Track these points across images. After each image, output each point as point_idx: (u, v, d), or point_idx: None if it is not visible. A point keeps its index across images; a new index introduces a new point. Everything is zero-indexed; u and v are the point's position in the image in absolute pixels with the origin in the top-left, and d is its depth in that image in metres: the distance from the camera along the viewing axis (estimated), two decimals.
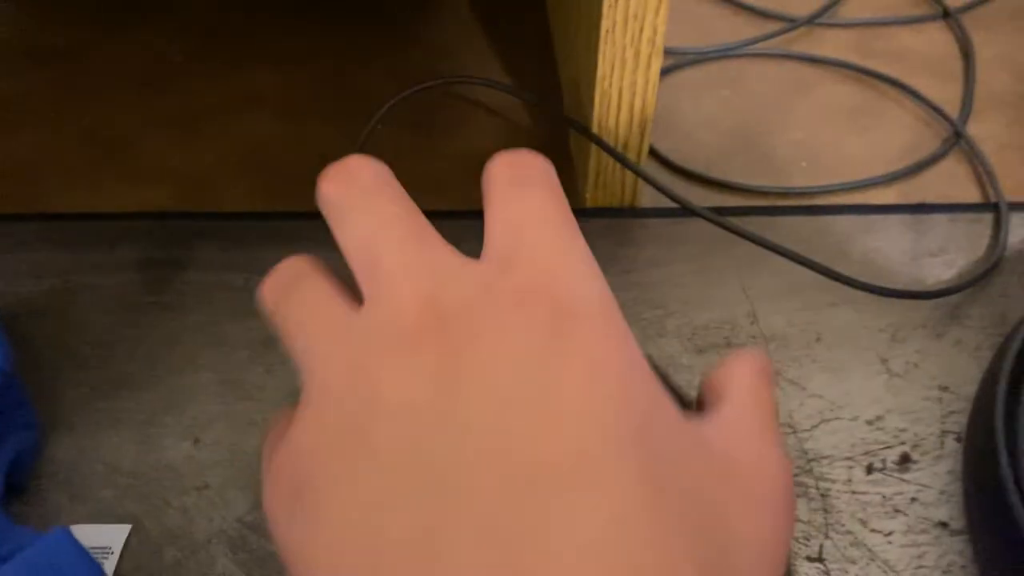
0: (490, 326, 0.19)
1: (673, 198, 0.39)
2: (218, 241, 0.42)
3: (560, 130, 0.48)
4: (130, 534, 0.32)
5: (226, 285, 0.40)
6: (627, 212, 0.43)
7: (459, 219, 0.43)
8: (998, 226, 0.42)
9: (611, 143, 0.40)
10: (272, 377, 0.37)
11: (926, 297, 0.38)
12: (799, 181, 0.45)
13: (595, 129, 0.40)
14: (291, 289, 0.23)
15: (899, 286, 0.39)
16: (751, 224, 0.42)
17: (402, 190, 0.23)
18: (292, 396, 0.36)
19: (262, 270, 0.41)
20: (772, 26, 0.54)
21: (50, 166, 0.46)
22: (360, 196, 0.22)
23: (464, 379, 0.18)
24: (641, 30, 0.37)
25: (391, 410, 0.18)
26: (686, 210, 0.39)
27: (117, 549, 0.32)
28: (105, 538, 0.32)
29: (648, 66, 0.38)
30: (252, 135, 0.48)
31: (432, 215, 0.42)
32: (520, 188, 0.22)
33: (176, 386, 0.36)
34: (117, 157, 0.47)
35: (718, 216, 0.37)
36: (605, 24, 0.37)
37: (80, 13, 0.56)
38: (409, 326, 0.19)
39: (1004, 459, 0.29)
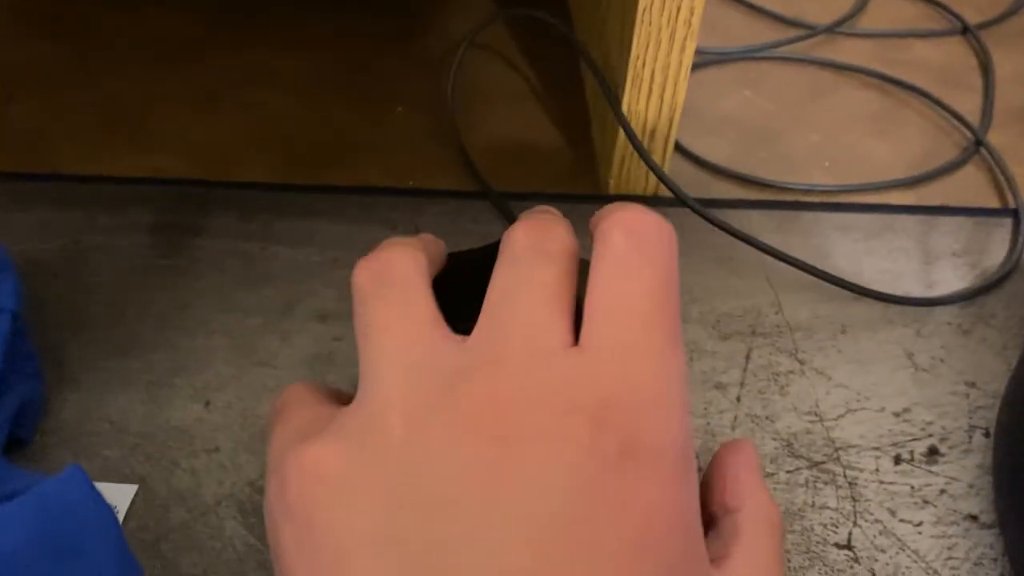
0: (554, 432, 0.18)
1: (687, 203, 0.39)
2: (233, 210, 0.41)
3: (582, 114, 0.47)
4: (136, 494, 0.31)
5: (241, 253, 0.39)
6: (650, 200, 0.42)
7: (469, 199, 0.42)
8: (1017, 232, 0.42)
9: (639, 129, 0.40)
10: (287, 345, 0.36)
11: (936, 304, 0.38)
12: (821, 180, 0.44)
13: (624, 112, 0.39)
14: (390, 283, 0.21)
15: (919, 286, 0.39)
16: (775, 218, 0.42)
17: (427, 289, 0.21)
18: (308, 364, 0.35)
19: (277, 239, 0.40)
20: (794, 32, 0.54)
21: (64, 133, 0.45)
22: (381, 288, 0.21)
23: (510, 487, 0.18)
24: (678, 10, 0.36)
25: (434, 500, 0.18)
26: (709, 202, 0.39)
27: (123, 508, 0.30)
28: (110, 497, 0.31)
29: (683, 49, 0.38)
30: (267, 111, 0.47)
31: (450, 195, 0.41)
32: (638, 264, 0.20)
33: (187, 349, 0.35)
34: (131, 127, 0.46)
35: (737, 229, 0.37)
36: (643, 1, 0.36)
37: None
38: (469, 412, 0.19)
39: None
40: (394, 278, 0.21)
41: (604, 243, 0.21)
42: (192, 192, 0.42)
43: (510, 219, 0.39)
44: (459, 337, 0.20)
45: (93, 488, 0.24)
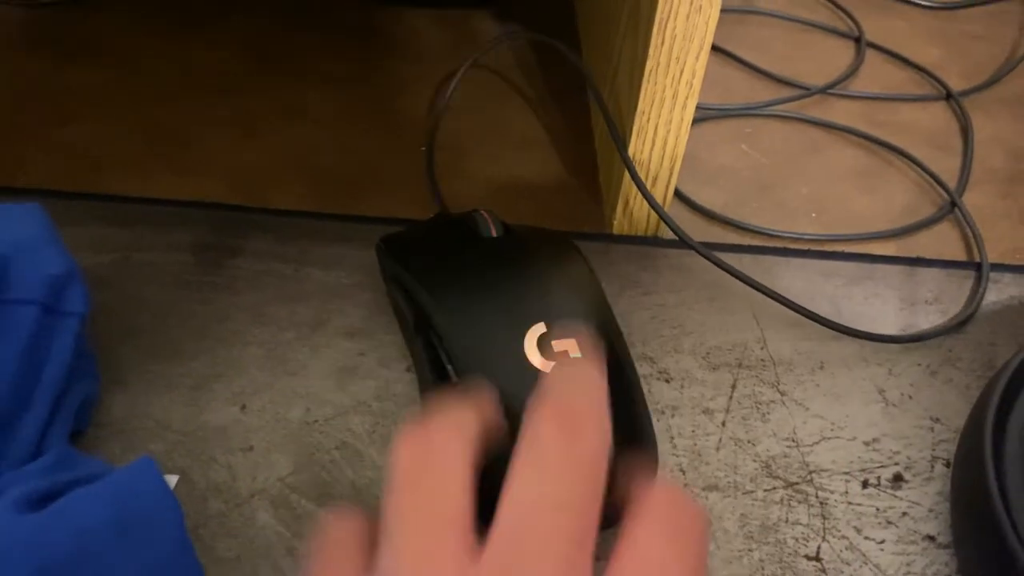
0: None
1: (684, 239, 0.42)
2: (270, 233, 0.45)
3: (590, 159, 0.51)
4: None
5: (276, 273, 0.43)
6: (650, 241, 0.46)
7: None
8: (978, 283, 0.46)
9: (643, 174, 0.44)
10: (316, 357, 0.39)
11: (899, 342, 0.42)
12: (808, 229, 0.48)
13: (630, 158, 0.43)
14: (429, 471, 0.21)
15: (893, 328, 0.43)
16: (765, 262, 0.46)
17: (465, 482, 0.21)
18: (334, 375, 0.38)
19: (310, 262, 0.44)
20: (789, 92, 0.58)
21: (112, 155, 0.49)
22: (419, 477, 0.21)
23: None
24: (681, 72, 0.41)
25: None
26: (705, 245, 0.43)
27: None
28: None
29: (684, 107, 0.42)
30: (301, 142, 0.51)
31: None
32: (671, 541, 0.20)
33: (225, 357, 0.39)
34: (175, 152, 0.50)
35: (731, 267, 0.40)
36: (649, 64, 0.40)
37: (144, 20, 0.60)
38: None
39: (992, 483, 0.32)
40: (434, 467, 0.21)
41: (645, 519, 0.20)
42: (232, 216, 0.45)
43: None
44: (477, 550, 0.20)
45: (162, 478, 0.27)
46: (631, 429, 0.34)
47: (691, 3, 0.38)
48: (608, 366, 0.34)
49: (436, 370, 0.35)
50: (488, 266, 0.37)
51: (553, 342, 0.34)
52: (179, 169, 0.49)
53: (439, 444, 0.21)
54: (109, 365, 0.38)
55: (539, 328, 0.34)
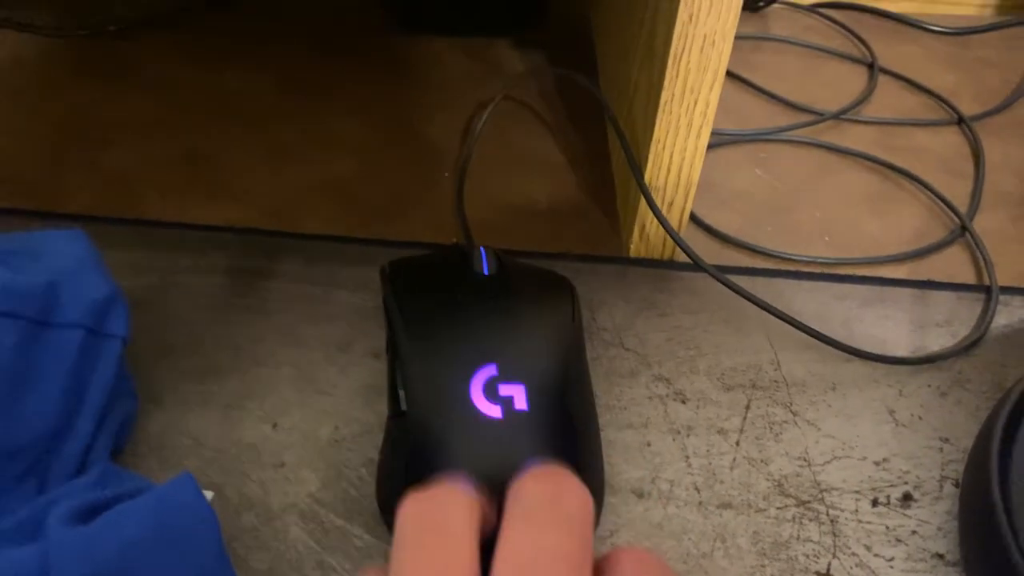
0: None
1: (699, 263, 0.44)
2: (300, 257, 0.46)
3: (607, 184, 0.53)
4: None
5: (306, 295, 0.44)
6: (666, 264, 0.48)
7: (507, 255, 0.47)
8: (988, 306, 0.47)
9: (659, 199, 0.45)
10: (344, 377, 0.41)
11: (910, 363, 0.43)
12: (821, 252, 0.49)
13: (646, 183, 0.45)
14: (434, 529, 0.21)
15: (904, 350, 0.44)
16: (778, 285, 0.47)
17: (471, 543, 0.21)
18: (362, 394, 0.40)
19: (339, 285, 0.45)
20: (802, 117, 0.60)
21: (147, 180, 0.51)
22: (424, 535, 0.21)
23: None
24: (696, 102, 0.42)
25: None
26: (720, 268, 0.44)
27: None
28: None
29: (698, 135, 0.43)
30: (330, 169, 0.53)
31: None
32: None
33: (258, 377, 0.41)
34: (208, 178, 0.52)
35: (745, 290, 0.42)
36: (664, 95, 0.42)
37: (182, 49, 0.62)
38: None
39: (998, 502, 0.33)
40: (439, 525, 0.21)
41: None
42: (264, 240, 0.47)
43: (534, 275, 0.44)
44: None
45: (201, 493, 0.29)
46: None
47: (705, 38, 0.40)
48: (558, 419, 0.35)
49: (394, 396, 0.37)
50: (467, 302, 0.38)
51: (499, 385, 0.35)
52: (214, 195, 0.51)
53: (445, 503, 0.21)
54: (146, 385, 0.40)
55: (489, 369, 0.35)
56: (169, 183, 0.51)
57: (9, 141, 0.54)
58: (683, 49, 0.40)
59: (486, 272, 0.40)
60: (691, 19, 0.39)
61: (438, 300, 0.39)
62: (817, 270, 0.49)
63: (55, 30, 0.63)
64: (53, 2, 0.66)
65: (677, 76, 0.41)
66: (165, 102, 0.57)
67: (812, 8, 0.73)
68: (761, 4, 0.71)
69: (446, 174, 0.53)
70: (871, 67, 0.66)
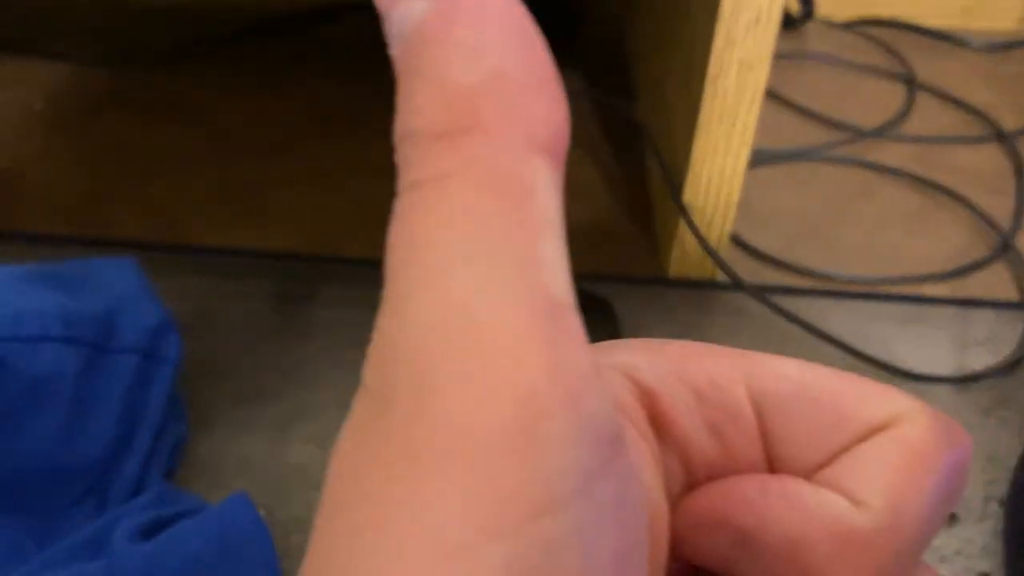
0: None
1: (739, 283, 0.44)
2: (340, 281, 0.47)
3: (645, 205, 0.53)
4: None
5: (347, 319, 0.45)
6: (706, 284, 0.48)
7: None
8: None
9: (698, 220, 0.46)
10: None
11: (952, 382, 0.43)
12: (861, 271, 0.50)
13: (685, 204, 0.45)
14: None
15: (947, 369, 0.44)
16: (818, 304, 0.47)
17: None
18: None
19: (377, 307, 0.46)
20: (841, 135, 0.60)
21: (189, 208, 0.53)
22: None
23: None
24: (734, 124, 0.42)
25: None
26: (760, 287, 0.44)
27: None
28: None
29: (737, 156, 0.44)
30: (365, 194, 0.54)
31: None
32: None
33: (303, 400, 0.41)
34: (247, 205, 0.53)
35: (785, 309, 0.42)
36: (702, 118, 0.42)
37: (222, 79, 0.64)
38: None
39: None
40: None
41: None
42: (305, 266, 0.48)
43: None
44: None
45: (257, 512, 0.29)
46: None
47: (742, 61, 0.40)
48: None
49: None
50: None
51: None
52: (254, 221, 0.52)
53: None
54: (194, 408, 0.40)
55: None
56: (211, 211, 0.52)
57: (53, 170, 0.55)
58: (720, 72, 0.41)
59: None
60: (728, 43, 0.40)
61: None
62: (858, 289, 0.49)
63: (97, 62, 0.64)
64: (96, 35, 0.68)
65: (715, 99, 0.42)
66: (203, 131, 0.59)
67: (849, 25, 0.73)
68: (798, 22, 0.71)
69: None
70: (909, 83, 0.66)
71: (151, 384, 0.34)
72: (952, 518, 0.37)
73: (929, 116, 0.63)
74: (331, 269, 0.48)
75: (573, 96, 0.54)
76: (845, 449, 0.16)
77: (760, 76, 0.41)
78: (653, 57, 0.56)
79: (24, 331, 0.30)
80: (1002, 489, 0.39)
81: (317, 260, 0.49)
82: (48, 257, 0.45)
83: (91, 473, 0.32)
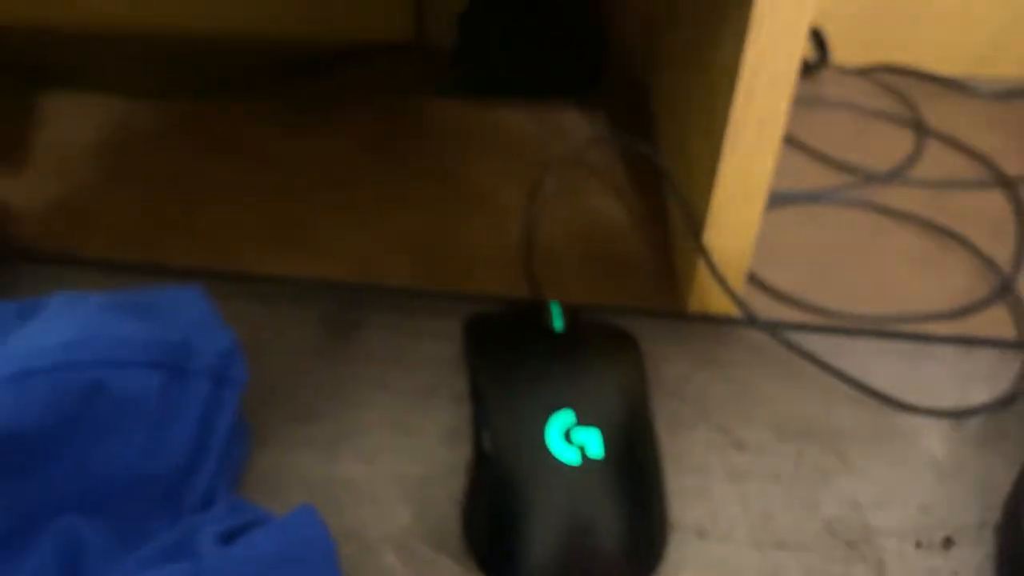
0: None
1: (755, 321, 0.47)
2: (385, 309, 0.51)
3: (665, 242, 0.57)
4: None
5: (393, 344, 0.49)
6: (723, 320, 0.51)
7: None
8: None
9: (716, 260, 0.49)
10: (430, 420, 0.45)
11: (953, 416, 0.46)
12: (871, 309, 0.53)
13: (704, 245, 0.49)
14: None
15: (949, 403, 0.47)
16: (831, 340, 0.50)
17: None
18: (447, 437, 0.44)
19: (421, 334, 0.50)
20: (852, 178, 0.63)
21: (241, 238, 0.56)
22: None
23: None
24: (751, 172, 0.46)
25: None
26: (775, 324, 0.48)
27: None
28: None
29: (754, 203, 0.47)
30: (408, 227, 0.58)
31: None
32: None
33: (352, 420, 0.45)
34: (299, 236, 0.57)
35: (799, 345, 0.45)
36: (722, 166, 0.46)
37: (272, 115, 0.68)
38: None
39: None
40: None
41: None
42: (353, 293, 0.52)
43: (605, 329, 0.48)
44: None
45: (322, 522, 0.33)
46: (642, 537, 0.39)
47: (761, 118, 0.44)
48: (629, 466, 0.39)
49: (477, 440, 0.42)
50: (543, 355, 0.43)
51: (576, 430, 0.39)
52: (303, 251, 0.56)
53: None
54: (252, 426, 0.44)
55: (565, 415, 0.40)
56: (262, 241, 0.56)
57: (114, 200, 0.59)
58: (740, 128, 0.44)
59: (558, 328, 0.44)
60: (748, 100, 0.43)
61: (516, 352, 0.43)
62: (868, 326, 0.52)
63: (152, 95, 0.69)
64: (152, 68, 0.72)
65: (735, 154, 0.45)
66: (254, 163, 0.63)
67: (863, 72, 0.76)
68: (814, 68, 0.75)
69: (512, 231, 0.57)
70: (919, 129, 0.69)
71: (222, 404, 0.38)
72: (948, 541, 0.41)
73: (937, 161, 0.66)
74: (375, 297, 0.52)
75: (598, 138, 0.58)
76: None
77: (777, 129, 0.44)
78: (675, 102, 0.60)
79: (116, 356, 0.34)
80: (996, 516, 0.42)
81: (364, 288, 0.52)
82: (110, 283, 0.49)
83: (168, 481, 0.36)
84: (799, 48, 0.42)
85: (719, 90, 0.46)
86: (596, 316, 0.49)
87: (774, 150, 0.45)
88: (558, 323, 0.45)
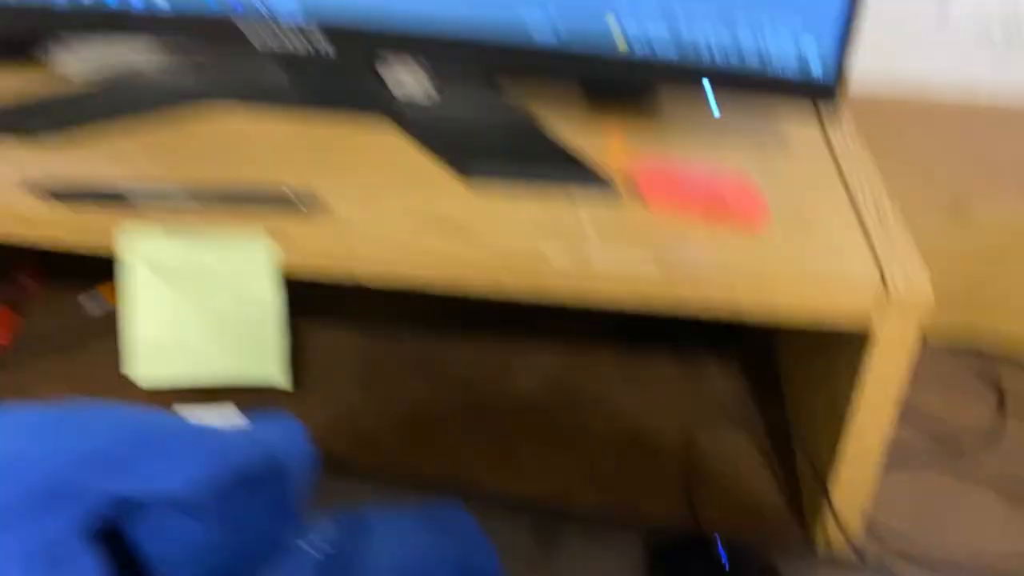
0: None
1: (863, 559, 0.61)
2: (576, 531, 0.66)
3: (795, 489, 0.71)
4: None
5: (581, 558, 0.63)
6: (842, 562, 0.65)
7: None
8: None
9: (838, 509, 0.63)
10: None
11: None
12: (964, 560, 0.66)
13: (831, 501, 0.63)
14: None
15: None
16: None
17: None
18: None
19: (604, 546, 0.64)
20: (947, 449, 0.77)
21: (474, 458, 0.73)
22: None
23: None
24: (869, 445, 0.61)
25: None
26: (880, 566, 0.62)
27: None
28: None
29: (870, 467, 0.62)
30: (585, 464, 0.73)
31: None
32: None
33: None
34: (511, 460, 0.73)
35: None
36: (845, 441, 0.61)
37: (476, 350, 0.85)
38: None
39: None
40: None
41: None
42: (547, 518, 0.67)
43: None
44: None
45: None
46: None
47: (877, 405, 0.59)
48: None
49: None
50: None
51: None
52: (518, 472, 0.72)
53: None
54: None
55: None
56: (489, 461, 0.73)
57: (367, 423, 0.77)
58: (860, 411, 0.60)
59: (727, 564, 0.59)
60: (865, 392, 0.59)
61: None
62: (957, 572, 0.65)
63: (391, 334, 0.87)
64: (394, 309, 0.90)
65: (854, 434, 0.61)
66: (475, 394, 0.80)
67: (953, 352, 0.91)
68: None
69: (679, 474, 0.73)
70: (1002, 404, 0.83)
71: None
72: None
73: (1018, 435, 0.80)
74: (564, 527, 0.67)
75: (727, 408, 0.76)
76: None
77: (890, 412, 0.59)
78: (803, 382, 0.76)
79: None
80: None
81: (557, 514, 0.68)
82: (369, 494, 0.66)
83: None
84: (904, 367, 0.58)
85: (841, 378, 0.62)
86: (751, 552, 0.63)
87: (887, 425, 0.60)
88: (725, 560, 0.60)
